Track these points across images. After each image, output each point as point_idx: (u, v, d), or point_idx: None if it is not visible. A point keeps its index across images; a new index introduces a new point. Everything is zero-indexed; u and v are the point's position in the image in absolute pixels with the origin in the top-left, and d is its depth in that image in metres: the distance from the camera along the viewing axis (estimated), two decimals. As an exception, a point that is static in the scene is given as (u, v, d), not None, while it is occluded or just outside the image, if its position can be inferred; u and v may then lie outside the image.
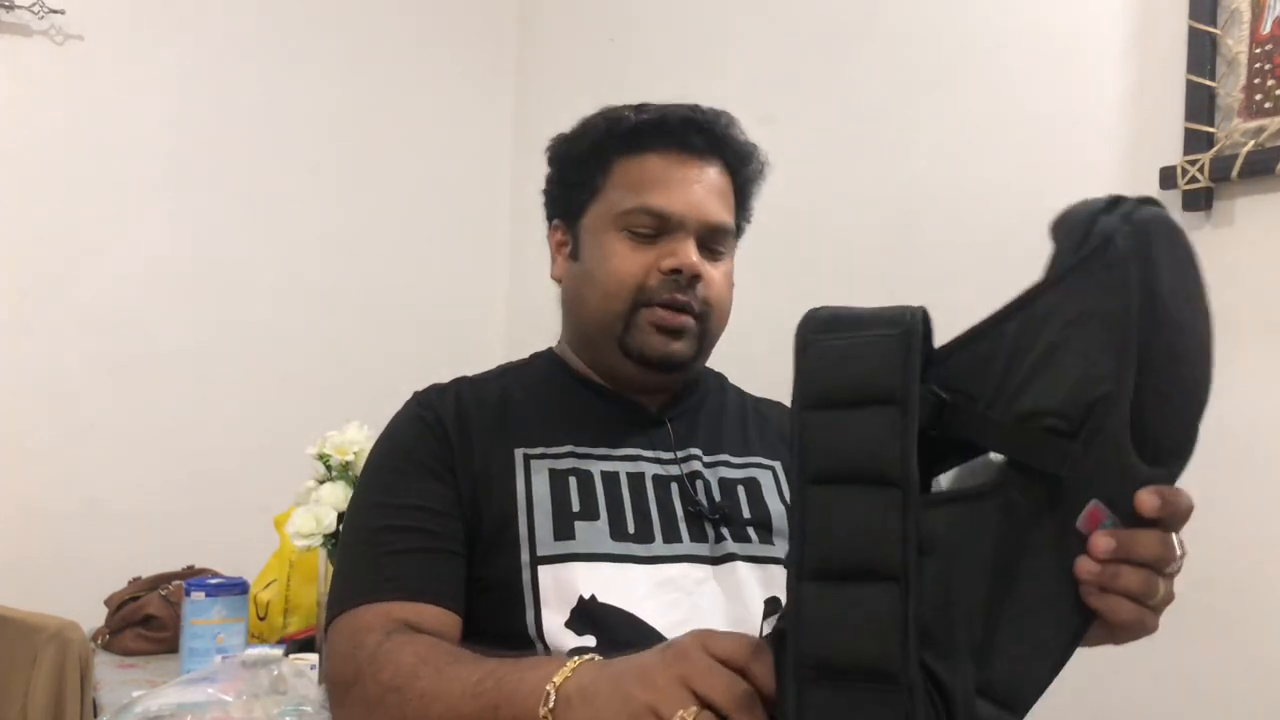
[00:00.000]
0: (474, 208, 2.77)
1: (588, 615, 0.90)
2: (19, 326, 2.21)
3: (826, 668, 0.55)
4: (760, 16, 2.05)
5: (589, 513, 0.97)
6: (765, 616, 0.94)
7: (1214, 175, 1.32)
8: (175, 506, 2.30)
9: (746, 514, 1.01)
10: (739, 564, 0.97)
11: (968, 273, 1.56)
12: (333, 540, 1.64)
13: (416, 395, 1.06)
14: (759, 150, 1.08)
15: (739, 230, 1.09)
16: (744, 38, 2.08)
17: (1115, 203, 0.59)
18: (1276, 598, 1.26)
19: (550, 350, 1.14)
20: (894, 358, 0.56)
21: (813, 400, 0.58)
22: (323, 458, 1.74)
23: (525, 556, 0.93)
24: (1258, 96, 1.31)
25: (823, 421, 0.57)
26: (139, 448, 2.30)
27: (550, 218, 1.12)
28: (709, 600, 0.94)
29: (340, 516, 1.64)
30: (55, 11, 2.22)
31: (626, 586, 0.92)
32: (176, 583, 1.89)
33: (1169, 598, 0.62)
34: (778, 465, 1.07)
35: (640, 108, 1.04)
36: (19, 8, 2.18)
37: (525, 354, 1.16)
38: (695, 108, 1.04)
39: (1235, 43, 1.33)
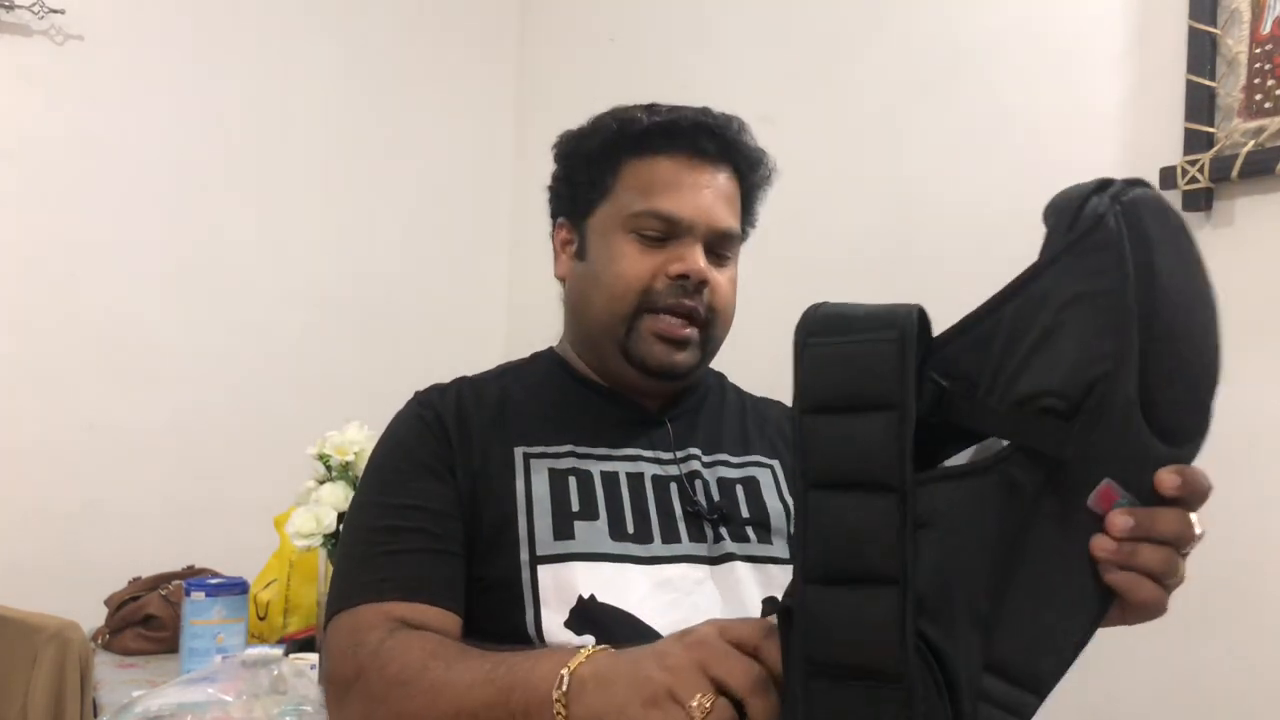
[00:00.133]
0: (474, 207, 2.77)
1: (587, 615, 0.91)
2: (19, 326, 2.21)
3: (830, 666, 0.56)
4: (761, 17, 2.05)
5: (588, 513, 0.97)
6: (763, 616, 0.94)
7: (1214, 175, 1.32)
8: (175, 506, 2.30)
9: (745, 514, 1.01)
10: (737, 564, 0.97)
11: (968, 272, 1.55)
12: (333, 540, 1.64)
13: (418, 395, 1.06)
14: (768, 156, 1.08)
15: (744, 235, 1.09)
16: (744, 38, 2.08)
17: (1104, 185, 0.59)
18: (1276, 597, 1.27)
19: (551, 350, 1.14)
20: (890, 362, 0.57)
21: (811, 404, 0.58)
22: (323, 458, 1.74)
23: (525, 556, 0.93)
24: (1258, 96, 1.31)
25: (821, 426, 0.58)
26: (139, 448, 2.30)
27: (555, 215, 1.11)
28: (707, 600, 0.94)
29: (340, 516, 1.64)
30: (55, 11, 2.22)
31: (625, 586, 0.93)
32: (176, 583, 1.89)
33: (1182, 578, 0.62)
34: (776, 464, 1.07)
35: (652, 109, 1.04)
36: (19, 8, 2.19)
37: (525, 354, 1.16)
38: (706, 111, 1.04)
39: (1235, 43, 1.33)
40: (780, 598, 0.61)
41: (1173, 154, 1.36)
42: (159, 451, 2.32)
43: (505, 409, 1.04)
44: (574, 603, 0.91)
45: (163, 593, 1.90)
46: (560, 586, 0.92)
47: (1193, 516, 0.60)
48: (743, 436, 1.09)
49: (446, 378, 1.09)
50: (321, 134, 2.55)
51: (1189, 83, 1.36)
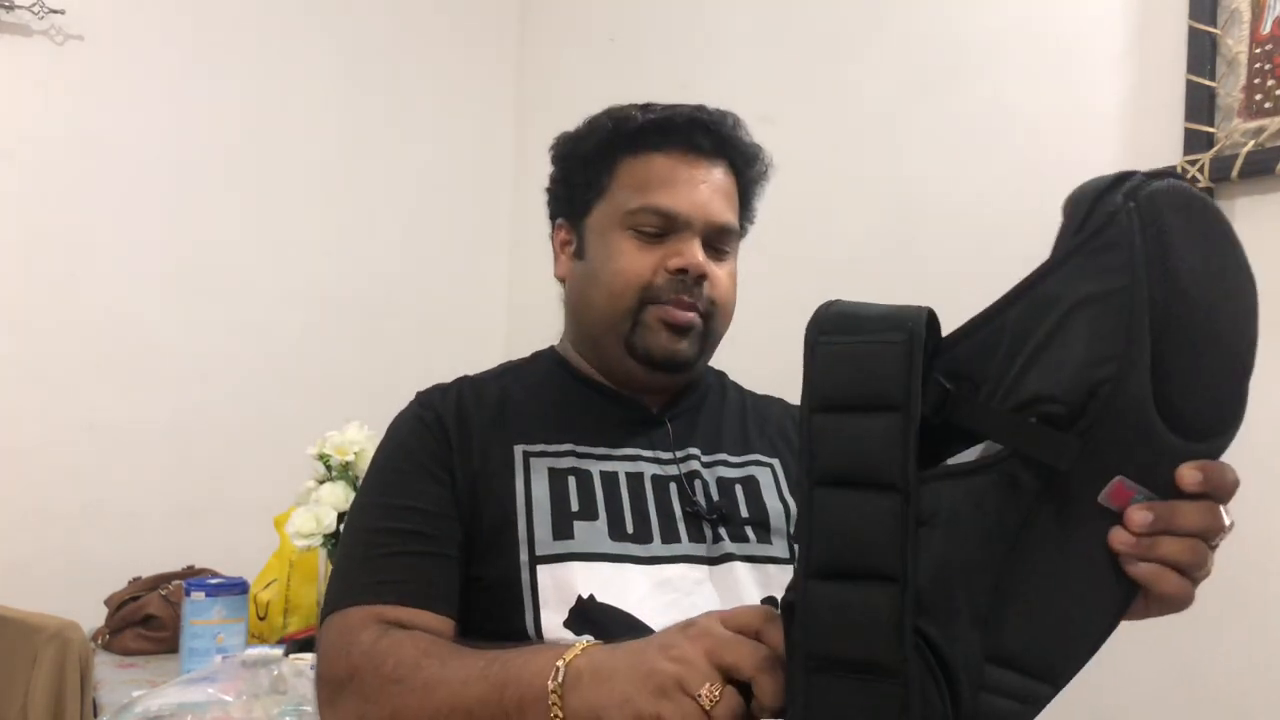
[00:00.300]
0: (474, 207, 2.77)
1: (586, 615, 0.91)
2: (19, 326, 2.21)
3: (831, 660, 0.57)
4: (761, 17, 2.05)
5: (588, 513, 0.97)
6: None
7: (1214, 175, 1.32)
8: (175, 506, 2.30)
9: (744, 513, 1.01)
10: (736, 564, 0.97)
11: (968, 272, 1.55)
12: (333, 540, 1.64)
13: (419, 395, 1.06)
14: (764, 151, 1.08)
15: (743, 230, 1.09)
16: (744, 38, 2.08)
17: (1122, 179, 0.59)
18: (1277, 597, 1.27)
19: (552, 349, 1.14)
20: (897, 364, 0.57)
21: (820, 403, 0.59)
22: (323, 458, 1.74)
23: (524, 556, 0.93)
24: (1258, 96, 1.31)
25: (829, 425, 0.58)
26: (139, 448, 2.30)
27: (554, 216, 1.12)
28: (706, 600, 0.94)
29: (340, 516, 1.64)
30: (55, 11, 2.22)
31: (624, 587, 0.93)
32: (176, 583, 1.90)
33: (1209, 571, 0.62)
34: (776, 463, 1.07)
35: (646, 107, 1.04)
36: (19, 8, 2.19)
37: (526, 353, 1.16)
38: (701, 108, 1.04)
39: (1235, 43, 1.33)
40: (780, 598, 0.62)
41: (1173, 154, 1.36)
42: (159, 451, 2.32)
43: (505, 409, 1.04)
44: (573, 603, 0.91)
45: (163, 593, 1.90)
46: (559, 586, 0.92)
47: (1222, 509, 0.60)
48: (743, 436, 1.09)
49: (446, 378, 1.09)
50: (321, 134, 2.55)
51: (1189, 83, 1.36)
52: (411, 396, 1.07)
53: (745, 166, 1.07)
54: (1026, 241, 0.64)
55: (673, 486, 1.01)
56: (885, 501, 0.56)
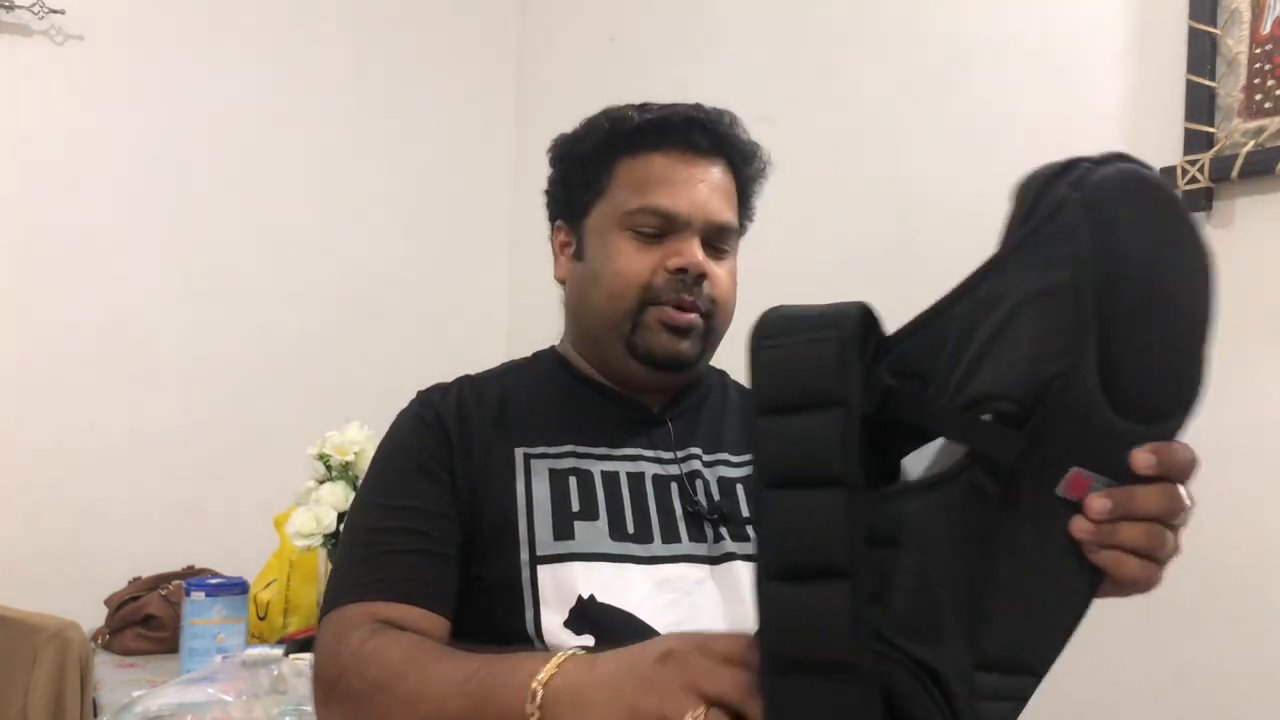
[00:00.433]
0: (474, 207, 2.77)
1: (586, 615, 0.91)
2: (19, 326, 2.21)
3: (792, 662, 0.57)
4: (760, 17, 2.05)
5: (588, 513, 0.97)
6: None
7: (1214, 175, 1.32)
8: (175, 506, 2.30)
9: (745, 513, 1.01)
10: (737, 563, 0.97)
11: (967, 273, 1.56)
12: (332, 540, 1.64)
13: (420, 394, 1.06)
14: (761, 149, 1.08)
15: (742, 229, 1.09)
16: (744, 38, 2.08)
17: (1069, 167, 0.58)
18: (1277, 597, 1.27)
19: (553, 349, 1.14)
20: (830, 359, 0.57)
21: (765, 405, 0.59)
22: (323, 458, 1.74)
23: (524, 556, 0.93)
24: (1258, 96, 1.31)
25: (773, 427, 0.58)
26: (139, 447, 2.30)
27: (553, 218, 1.12)
28: (707, 600, 0.94)
29: (340, 516, 1.64)
30: (55, 11, 2.22)
31: (625, 586, 0.92)
32: (176, 583, 1.90)
33: (1176, 550, 0.62)
34: (777, 462, 1.07)
35: (643, 107, 1.04)
36: (19, 8, 2.19)
37: (526, 353, 1.16)
38: (698, 107, 1.04)
39: (1235, 43, 1.33)
40: None
41: (1173, 154, 1.36)
42: (159, 451, 2.32)
43: (506, 408, 1.04)
44: (574, 602, 0.91)
45: (163, 593, 1.90)
46: (560, 586, 0.92)
47: (1182, 490, 0.60)
48: (744, 435, 1.09)
49: (447, 377, 1.09)
50: (321, 134, 2.55)
51: (1189, 83, 1.36)
52: (412, 396, 1.07)
53: (743, 164, 1.06)
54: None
55: (674, 486, 1.01)
56: (830, 497, 0.56)
